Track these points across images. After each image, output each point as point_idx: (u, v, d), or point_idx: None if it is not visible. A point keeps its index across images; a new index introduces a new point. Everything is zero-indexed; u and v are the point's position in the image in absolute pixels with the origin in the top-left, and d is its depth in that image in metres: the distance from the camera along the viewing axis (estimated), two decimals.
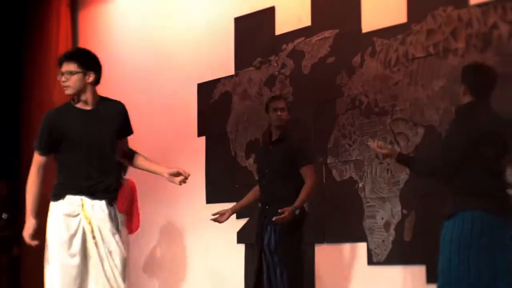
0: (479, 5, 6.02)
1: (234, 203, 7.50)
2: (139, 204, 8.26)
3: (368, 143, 5.50)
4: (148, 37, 9.20)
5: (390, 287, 6.47)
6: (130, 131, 5.31)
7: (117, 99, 9.59)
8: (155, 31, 9.11)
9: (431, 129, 6.24)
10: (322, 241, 7.01)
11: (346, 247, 6.84)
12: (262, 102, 7.63)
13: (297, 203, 5.99)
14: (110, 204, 4.95)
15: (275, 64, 7.58)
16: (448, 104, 6.12)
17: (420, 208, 6.29)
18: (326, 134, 7.01)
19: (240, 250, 7.58)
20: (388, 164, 6.49)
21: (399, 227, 6.38)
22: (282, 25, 7.57)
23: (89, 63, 5.23)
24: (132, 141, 9.18)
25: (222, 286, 7.88)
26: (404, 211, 6.37)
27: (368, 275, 6.66)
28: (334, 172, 6.94)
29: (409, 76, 6.43)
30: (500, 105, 5.65)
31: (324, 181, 6.98)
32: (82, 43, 10.19)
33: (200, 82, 8.37)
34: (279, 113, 6.22)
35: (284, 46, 7.51)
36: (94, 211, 4.88)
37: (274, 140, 6.29)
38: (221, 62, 8.16)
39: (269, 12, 7.68)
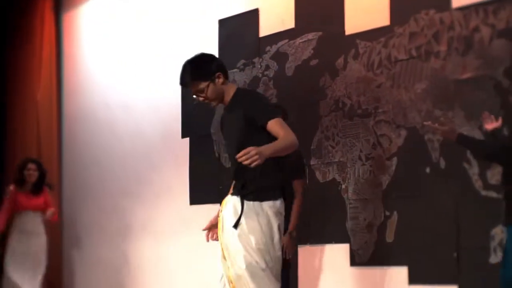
0: (461, 9, 6.07)
1: (218, 204, 7.52)
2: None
3: (425, 122, 5.56)
4: (132, 39, 9.22)
5: None
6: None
7: (101, 100, 9.67)
8: (139, 33, 9.12)
9: (414, 131, 6.28)
10: (305, 242, 7.03)
11: (329, 248, 6.87)
12: None
13: (291, 227, 6.19)
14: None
15: (259, 66, 7.61)
16: (430, 106, 6.17)
17: (402, 210, 6.32)
18: (310, 136, 7.04)
19: None
20: (370, 166, 6.54)
21: (382, 229, 6.42)
22: (266, 27, 7.59)
23: (207, 71, 4.96)
24: (117, 143, 9.26)
25: (206, 287, 7.90)
26: (387, 213, 6.41)
27: (351, 276, 6.69)
28: (317, 173, 6.98)
29: (392, 78, 6.47)
30: (481, 107, 5.73)
31: (307, 182, 7.01)
32: (66, 45, 10.20)
33: None
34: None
35: (267, 48, 7.54)
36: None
37: None
38: None
39: (253, 14, 7.71)
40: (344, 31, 6.88)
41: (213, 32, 8.11)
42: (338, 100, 6.85)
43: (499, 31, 5.79)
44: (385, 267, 6.40)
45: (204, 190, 8.01)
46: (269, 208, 4.80)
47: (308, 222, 6.94)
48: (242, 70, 7.77)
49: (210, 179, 7.93)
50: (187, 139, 8.31)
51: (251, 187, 4.80)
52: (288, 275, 6.18)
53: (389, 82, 6.48)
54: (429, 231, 6.12)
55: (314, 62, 7.12)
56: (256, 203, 4.79)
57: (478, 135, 5.76)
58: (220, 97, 4.95)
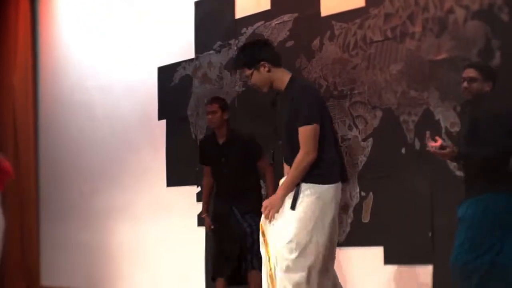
0: None
1: (195, 186, 7.60)
2: None
3: (428, 148, 4.99)
4: (107, 21, 9.18)
5: (349, 268, 6.54)
6: None
7: (77, 83, 9.62)
8: (115, 15, 9.08)
9: (389, 112, 6.31)
10: None
11: None
12: (223, 86, 7.68)
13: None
14: None
15: (235, 48, 7.60)
16: (406, 87, 6.20)
17: (378, 190, 6.36)
18: None
19: (201, 233, 7.62)
20: (346, 147, 6.56)
21: (358, 209, 6.45)
22: (242, 9, 7.58)
23: (251, 59, 4.98)
24: (94, 126, 9.23)
25: (182, 269, 7.93)
26: (362, 193, 6.44)
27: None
28: None
29: (367, 59, 6.49)
30: (456, 87, 5.77)
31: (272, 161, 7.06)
32: (42, 28, 10.14)
33: (160, 65, 8.38)
34: (210, 116, 6.62)
35: (244, 29, 7.53)
36: None
37: (224, 142, 6.65)
38: (181, 45, 8.17)
39: None
40: (319, 13, 6.88)
41: (189, 13, 8.10)
42: (314, 81, 6.85)
43: (473, 13, 5.82)
44: (361, 248, 6.44)
45: (181, 172, 8.02)
46: (323, 192, 4.80)
47: None
48: (218, 52, 7.77)
49: (187, 161, 7.93)
50: (163, 121, 8.30)
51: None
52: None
53: (365, 63, 6.50)
54: (404, 211, 6.16)
55: (290, 43, 7.13)
56: (311, 185, 4.79)
57: (452, 116, 5.80)
58: (267, 85, 5.00)
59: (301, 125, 4.81)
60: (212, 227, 6.75)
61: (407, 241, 6.14)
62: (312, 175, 4.81)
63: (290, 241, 4.75)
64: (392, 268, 6.26)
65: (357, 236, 6.43)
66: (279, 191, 4.89)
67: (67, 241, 9.49)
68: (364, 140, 6.46)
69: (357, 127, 6.53)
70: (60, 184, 9.67)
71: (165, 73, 8.31)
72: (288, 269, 4.76)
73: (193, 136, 7.94)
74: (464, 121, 5.16)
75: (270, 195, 6.25)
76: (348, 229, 6.53)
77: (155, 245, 8.34)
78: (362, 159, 6.47)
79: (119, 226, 8.83)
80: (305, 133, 4.79)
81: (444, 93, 5.92)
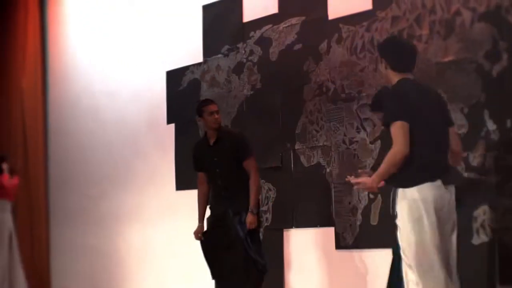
0: None
1: None
2: None
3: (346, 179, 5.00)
4: (116, 26, 9.22)
5: (358, 270, 6.56)
6: None
7: (86, 87, 9.66)
8: (124, 20, 9.13)
9: None
10: (290, 226, 7.08)
11: (314, 231, 6.92)
12: (231, 89, 7.70)
13: (251, 206, 6.34)
14: None
15: (243, 51, 7.63)
16: None
17: (386, 193, 6.35)
18: (294, 120, 7.08)
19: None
20: (354, 149, 6.58)
21: (366, 212, 6.46)
22: (250, 13, 7.62)
23: (380, 54, 4.98)
24: (102, 130, 9.26)
25: (191, 272, 7.94)
26: (371, 196, 6.45)
27: (336, 259, 6.74)
28: (302, 157, 7.01)
29: (375, 62, 6.49)
30: (463, 89, 5.78)
31: (292, 166, 7.05)
32: (51, 32, 10.19)
33: (168, 69, 8.41)
34: (215, 116, 6.50)
35: (251, 33, 7.56)
36: None
37: (214, 142, 6.54)
38: (189, 49, 8.20)
39: (237, 0, 7.73)
40: (327, 16, 6.91)
41: (197, 17, 8.13)
42: (322, 84, 6.88)
43: (480, 15, 5.83)
44: (369, 250, 6.44)
45: (190, 176, 8.00)
46: (413, 194, 4.64)
47: (293, 206, 7.00)
48: (226, 55, 7.79)
49: None
50: (172, 125, 8.33)
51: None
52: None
53: (372, 66, 6.52)
54: None
55: (297, 46, 7.15)
56: (401, 189, 4.70)
57: (460, 117, 5.80)
58: (387, 82, 4.98)
59: (388, 125, 4.74)
60: (203, 238, 6.64)
61: None
62: None
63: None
64: None
65: (366, 239, 6.44)
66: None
67: (77, 245, 9.52)
68: (372, 142, 6.47)
69: (365, 129, 6.54)
70: (69, 188, 9.71)
71: (174, 77, 8.34)
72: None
73: None
74: None
75: (253, 198, 6.33)
76: (357, 231, 6.53)
77: (163, 248, 8.36)
78: (370, 162, 6.48)
79: (128, 230, 8.86)
80: (394, 128, 4.65)
81: (452, 95, 5.91)
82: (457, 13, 5.97)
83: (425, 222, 4.60)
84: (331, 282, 6.64)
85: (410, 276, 4.64)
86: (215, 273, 6.58)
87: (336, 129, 6.75)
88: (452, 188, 4.74)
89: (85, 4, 9.70)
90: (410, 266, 4.63)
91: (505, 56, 5.66)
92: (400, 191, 4.69)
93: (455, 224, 4.73)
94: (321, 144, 6.88)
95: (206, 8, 8.07)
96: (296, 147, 7.04)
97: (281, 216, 6.85)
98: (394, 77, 4.80)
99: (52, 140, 10.10)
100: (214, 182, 6.57)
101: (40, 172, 9.99)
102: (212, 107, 6.53)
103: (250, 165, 6.45)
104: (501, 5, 5.70)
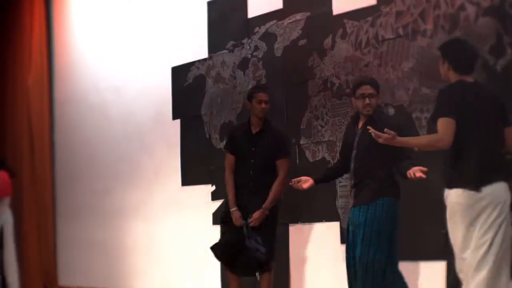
0: None
1: (209, 185, 7.65)
2: None
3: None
4: (122, 22, 9.24)
5: None
6: None
7: (93, 83, 9.69)
8: (129, 16, 9.14)
9: (401, 109, 6.33)
10: (296, 220, 7.11)
11: (320, 226, 6.93)
12: (236, 85, 7.72)
13: (266, 204, 6.41)
14: None
15: (248, 47, 7.65)
16: (417, 84, 6.22)
17: None
18: (299, 116, 7.10)
19: (216, 231, 7.63)
20: None
21: None
22: (254, 8, 7.63)
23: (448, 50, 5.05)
24: (108, 126, 9.29)
25: (197, 267, 7.97)
26: None
27: (341, 253, 6.71)
28: (307, 152, 7.03)
29: (379, 57, 6.51)
30: None
31: (297, 161, 7.07)
32: (57, 28, 10.21)
33: (174, 65, 8.43)
34: (263, 105, 6.49)
35: (256, 29, 7.57)
36: None
37: (257, 132, 6.53)
38: (194, 45, 8.22)
39: None
40: (331, 11, 6.92)
41: (202, 13, 8.14)
42: (326, 79, 6.90)
43: (484, 9, 5.83)
44: None
45: (195, 171, 8.07)
46: (457, 197, 4.83)
47: (298, 201, 7.01)
48: (231, 51, 7.81)
49: (201, 160, 7.98)
50: (178, 121, 8.35)
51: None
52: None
53: (377, 61, 6.53)
54: (417, 208, 6.17)
55: (302, 42, 7.17)
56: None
57: None
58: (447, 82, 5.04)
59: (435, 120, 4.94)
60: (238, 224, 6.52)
61: (421, 238, 6.15)
62: None
63: None
64: (405, 265, 6.27)
65: None
66: None
67: (83, 240, 9.56)
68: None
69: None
70: (76, 184, 9.74)
71: (179, 73, 8.36)
72: None
73: (207, 135, 7.99)
74: (365, 135, 5.42)
75: (272, 197, 6.41)
76: None
77: (169, 243, 8.39)
78: None
79: (134, 225, 8.89)
80: (441, 123, 4.87)
81: None
82: (461, 7, 5.98)
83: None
84: (337, 277, 6.65)
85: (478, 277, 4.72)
86: (229, 265, 6.62)
87: (341, 124, 6.76)
88: None
89: (91, 1, 9.71)
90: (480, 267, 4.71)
91: (509, 51, 5.67)
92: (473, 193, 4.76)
93: None
94: (326, 139, 6.90)
95: (211, 4, 8.09)
96: (301, 142, 7.05)
97: (287, 211, 6.86)
98: (454, 78, 4.93)
99: (58, 136, 10.12)
100: (246, 171, 6.55)
101: (46, 168, 10.02)
102: (263, 96, 6.52)
103: (283, 165, 6.51)
104: (505, 0, 5.71)
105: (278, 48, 7.37)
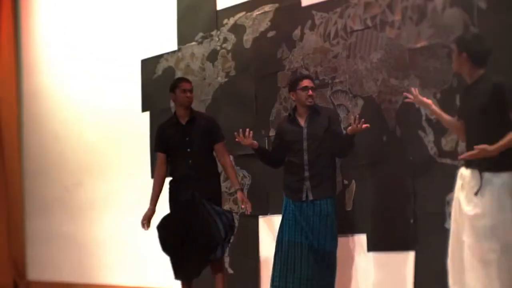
0: None
1: None
2: None
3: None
4: (89, 14, 9.19)
5: None
6: None
7: (61, 77, 9.62)
8: (97, 7, 9.09)
9: (370, 100, 6.35)
10: (265, 212, 7.11)
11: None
12: (205, 77, 7.71)
13: (237, 185, 6.56)
14: None
15: (217, 39, 7.64)
16: (386, 75, 6.24)
17: (360, 178, 6.41)
18: (268, 107, 7.10)
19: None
20: None
21: (341, 197, 6.48)
22: (223, 0, 7.62)
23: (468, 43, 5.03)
24: (77, 119, 9.24)
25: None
26: (345, 181, 6.48)
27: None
28: None
29: (348, 48, 6.53)
30: (436, 74, 5.81)
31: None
32: (24, 22, 10.13)
33: (143, 58, 8.40)
34: (188, 94, 6.58)
35: (225, 21, 7.57)
36: None
37: (187, 122, 6.58)
38: (163, 37, 8.20)
39: None
40: (300, 2, 6.92)
41: (171, 5, 8.12)
42: (295, 71, 6.90)
43: (452, 0, 5.86)
44: (344, 235, 6.47)
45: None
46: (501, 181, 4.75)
47: (267, 193, 7.02)
48: (200, 43, 7.79)
49: None
50: (147, 113, 8.33)
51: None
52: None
53: (345, 52, 6.54)
54: (386, 198, 6.21)
55: (271, 33, 7.17)
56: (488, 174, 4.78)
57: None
58: (461, 73, 5.08)
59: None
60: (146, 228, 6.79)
61: (390, 228, 6.19)
62: None
63: None
64: (375, 255, 6.31)
65: (341, 224, 6.43)
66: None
67: (53, 234, 9.51)
68: (345, 128, 6.49)
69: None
70: (45, 177, 9.68)
71: (148, 65, 8.34)
72: None
73: None
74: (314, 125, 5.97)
75: (234, 177, 6.52)
76: None
77: (140, 236, 8.33)
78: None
79: (104, 218, 8.86)
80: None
81: (424, 80, 5.96)
82: None
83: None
84: None
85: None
86: (177, 263, 6.61)
87: None
88: None
89: None
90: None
91: None
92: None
93: None
94: None
95: None
96: (271, 134, 7.05)
97: (256, 203, 6.85)
98: (473, 71, 4.95)
99: (26, 129, 10.05)
100: (183, 162, 6.53)
101: (15, 162, 9.96)
102: (186, 85, 6.58)
103: (223, 148, 6.58)
104: None
105: (247, 40, 7.36)
